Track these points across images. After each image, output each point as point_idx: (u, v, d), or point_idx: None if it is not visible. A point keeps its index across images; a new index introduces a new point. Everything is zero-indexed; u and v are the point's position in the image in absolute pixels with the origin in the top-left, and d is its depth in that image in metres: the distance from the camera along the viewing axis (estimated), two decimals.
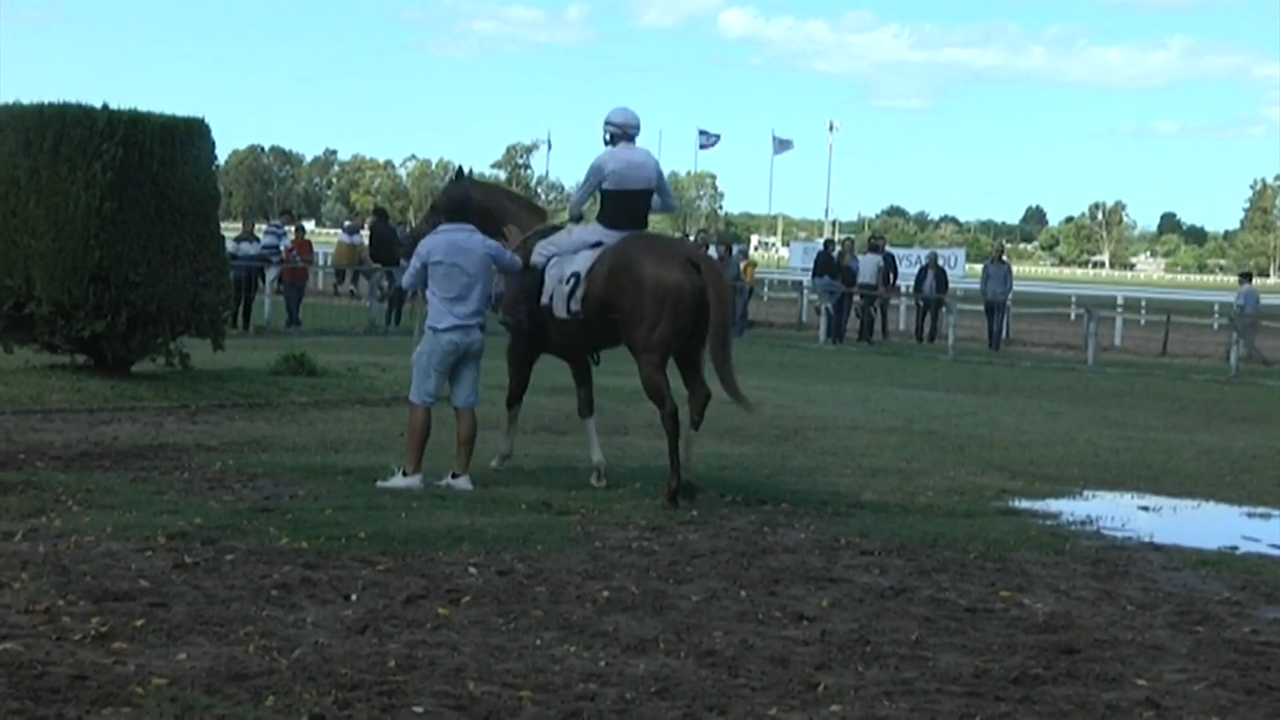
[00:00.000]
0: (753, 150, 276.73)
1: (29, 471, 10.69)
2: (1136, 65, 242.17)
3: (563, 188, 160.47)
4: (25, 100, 16.50)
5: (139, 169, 15.67)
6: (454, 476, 10.94)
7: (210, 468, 11.31)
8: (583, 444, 13.71)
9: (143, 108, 16.29)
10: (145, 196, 15.68)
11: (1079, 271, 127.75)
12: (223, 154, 16.62)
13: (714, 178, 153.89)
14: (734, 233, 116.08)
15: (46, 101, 16.26)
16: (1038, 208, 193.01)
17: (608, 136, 11.38)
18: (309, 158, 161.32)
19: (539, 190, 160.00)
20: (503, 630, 7.18)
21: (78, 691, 5.85)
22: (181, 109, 16.95)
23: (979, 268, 41.38)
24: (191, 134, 16.47)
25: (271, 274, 28.09)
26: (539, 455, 12.85)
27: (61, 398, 14.57)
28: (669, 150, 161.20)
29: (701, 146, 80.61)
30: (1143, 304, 49.09)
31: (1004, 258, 35.94)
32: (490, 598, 7.76)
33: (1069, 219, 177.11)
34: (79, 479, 10.44)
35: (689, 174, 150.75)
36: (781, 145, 79.26)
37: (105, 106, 15.95)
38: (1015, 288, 36.85)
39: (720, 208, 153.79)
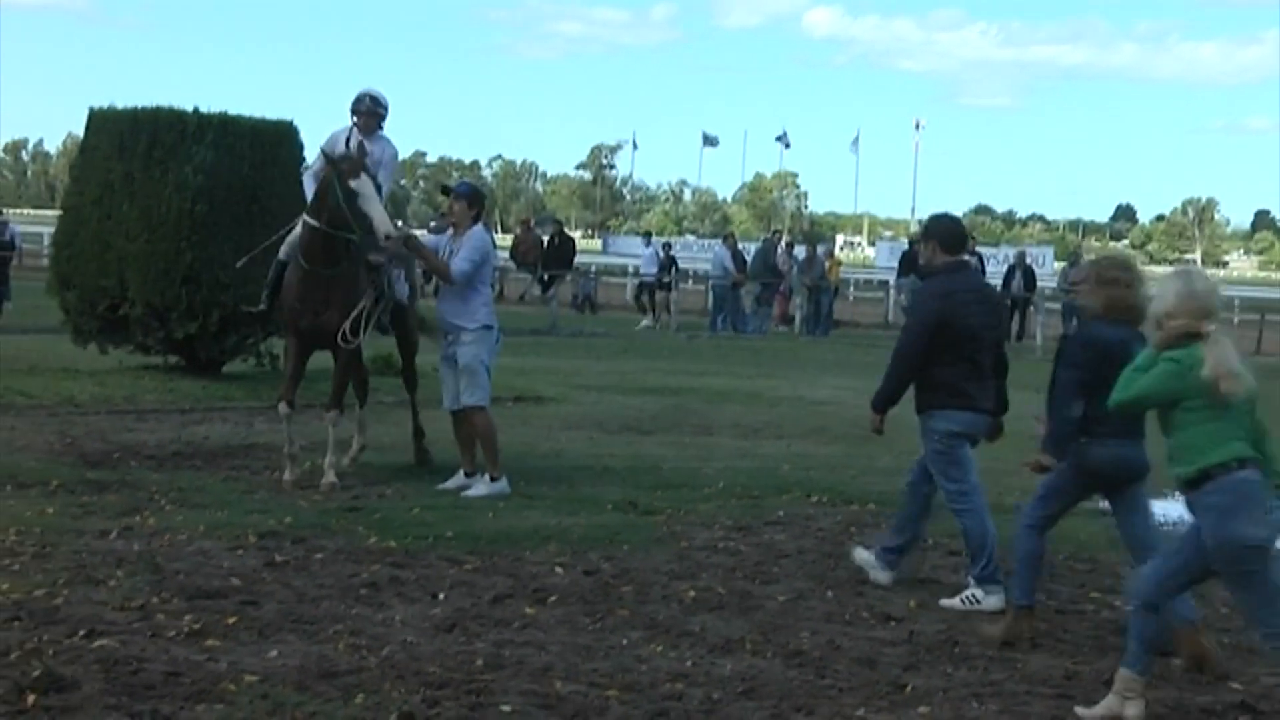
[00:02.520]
0: (837, 150, 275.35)
1: (123, 471, 10.85)
2: (1229, 61, 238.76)
3: (647, 188, 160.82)
4: (119, 104, 16.76)
5: (230, 172, 15.85)
6: (467, 476, 10.88)
7: (299, 467, 11.41)
8: (670, 443, 13.74)
9: (233, 111, 16.49)
10: (236, 199, 15.85)
11: (1171, 270, 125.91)
12: (311, 156, 16.73)
13: (797, 177, 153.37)
14: (819, 232, 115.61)
15: (140, 105, 16.50)
16: (1128, 205, 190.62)
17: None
18: (404, 156, 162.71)
19: (624, 191, 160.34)
20: (589, 630, 7.19)
21: (172, 687, 5.94)
22: (271, 112, 17.16)
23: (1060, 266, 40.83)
24: (281, 137, 16.63)
25: None
26: (624, 455, 12.85)
27: (154, 398, 14.76)
28: (753, 150, 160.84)
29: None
30: (1235, 302, 48.21)
31: (1082, 259, 35.37)
32: (577, 597, 7.78)
33: (1160, 217, 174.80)
34: (172, 478, 10.58)
35: (773, 174, 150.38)
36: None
37: (196, 110, 16.17)
38: None
39: (805, 207, 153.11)
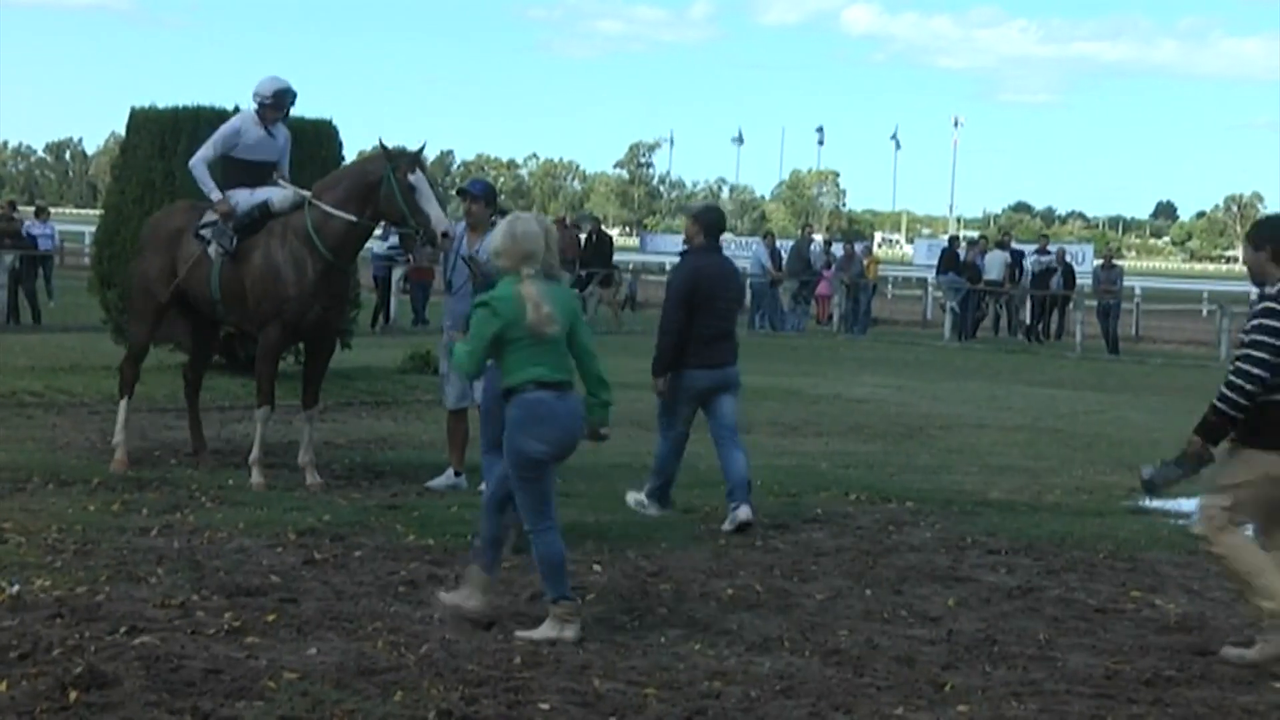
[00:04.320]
0: (876, 147, 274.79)
1: (164, 468, 10.92)
2: (1273, 56, 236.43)
3: (685, 185, 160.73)
4: (160, 104, 16.85)
5: None
6: (457, 474, 10.84)
7: (338, 465, 11.46)
8: (707, 441, 13.69)
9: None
10: None
11: (1211, 267, 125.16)
12: (350, 154, 16.73)
13: (836, 175, 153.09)
14: (857, 230, 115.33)
15: (181, 105, 16.58)
16: (1168, 202, 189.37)
17: (256, 106, 11.29)
18: (433, 157, 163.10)
19: (662, 189, 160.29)
20: (627, 628, 7.19)
21: (212, 684, 5.97)
22: (309, 111, 17.17)
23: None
24: (320, 135, 16.68)
25: (398, 273, 28.37)
26: None
27: (172, 398, 14.82)
28: (791, 147, 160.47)
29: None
30: None
31: (1114, 261, 35.05)
32: (615, 595, 7.79)
33: (1201, 214, 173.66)
34: (212, 476, 10.63)
35: (810, 171, 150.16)
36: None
37: (237, 109, 16.22)
38: (1145, 284, 36.07)
39: (843, 205, 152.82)
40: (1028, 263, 33.49)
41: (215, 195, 10.87)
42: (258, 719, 5.65)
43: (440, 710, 5.78)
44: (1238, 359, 7.10)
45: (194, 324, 11.45)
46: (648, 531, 9.37)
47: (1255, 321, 7.11)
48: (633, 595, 7.82)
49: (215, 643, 6.58)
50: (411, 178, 10.30)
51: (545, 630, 6.93)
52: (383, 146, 10.60)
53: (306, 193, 10.72)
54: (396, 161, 10.42)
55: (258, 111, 11.27)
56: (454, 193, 11.88)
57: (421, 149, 10.62)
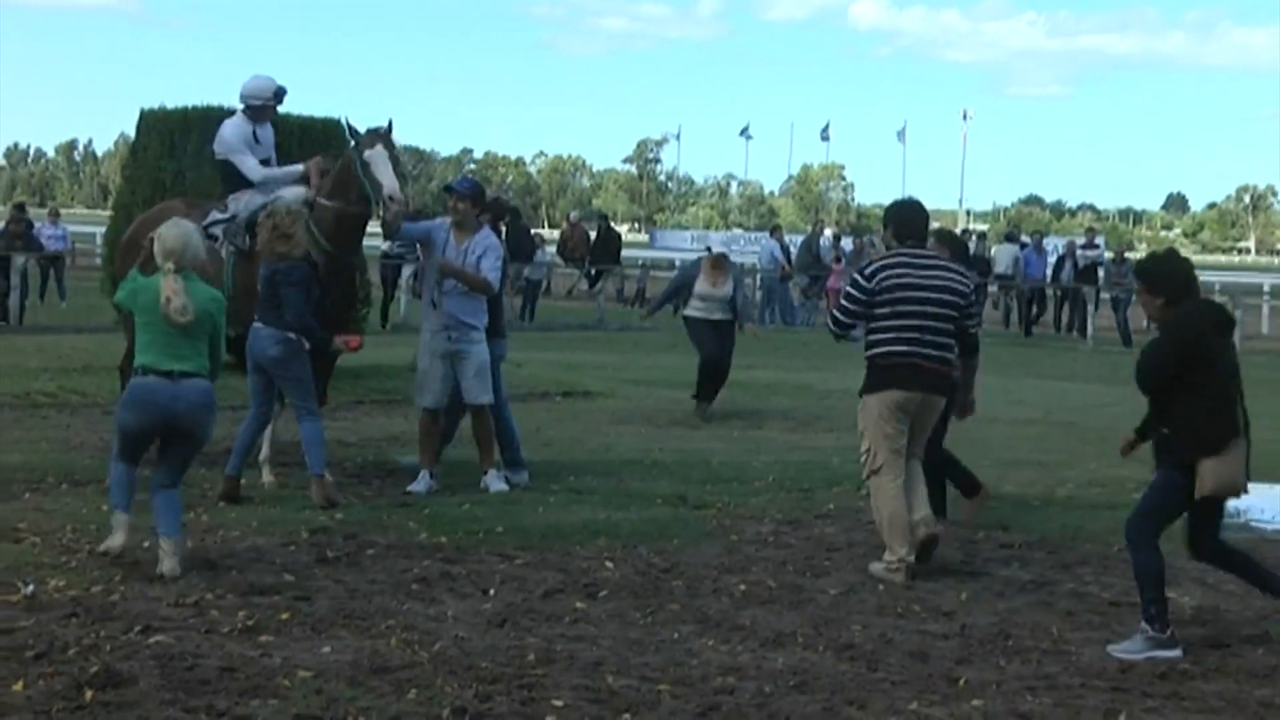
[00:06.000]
0: (884, 141, 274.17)
1: None
2: None
3: (692, 181, 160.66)
4: (170, 104, 16.87)
5: None
6: (431, 475, 10.66)
7: (350, 463, 11.47)
8: (719, 437, 13.74)
9: (281, 109, 16.53)
10: None
11: (1223, 258, 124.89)
12: None
13: (843, 169, 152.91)
14: (866, 224, 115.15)
15: (190, 105, 16.60)
16: (1179, 194, 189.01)
17: (244, 106, 11.51)
18: (441, 155, 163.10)
19: (670, 185, 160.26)
20: (640, 624, 7.20)
21: (226, 683, 5.98)
22: (318, 110, 17.22)
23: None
24: (328, 134, 16.68)
25: (407, 271, 28.35)
26: (673, 449, 12.85)
27: None
28: (800, 142, 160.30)
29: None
30: None
31: (1125, 254, 34.85)
32: (627, 591, 7.79)
33: (1212, 205, 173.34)
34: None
35: (819, 165, 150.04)
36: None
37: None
38: None
39: (852, 199, 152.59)
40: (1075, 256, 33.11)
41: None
42: (272, 717, 5.66)
43: (454, 708, 5.79)
44: None
45: None
46: (660, 528, 9.37)
47: None
48: (645, 591, 7.83)
49: (229, 641, 6.59)
50: (369, 152, 10.34)
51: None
52: (347, 127, 10.71)
53: (298, 191, 10.80)
54: (358, 139, 10.50)
55: (250, 112, 11.35)
56: (442, 189, 11.76)
57: (388, 127, 10.63)
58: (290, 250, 9.81)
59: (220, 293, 8.58)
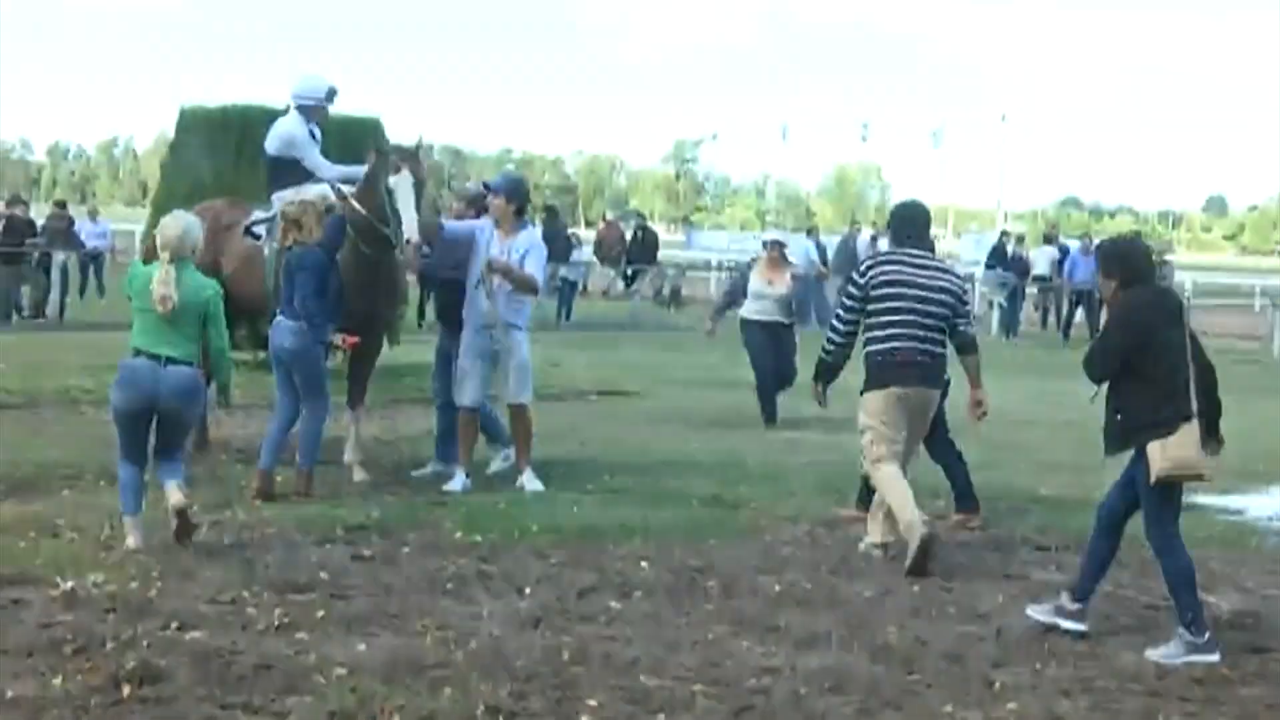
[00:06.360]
0: (921, 141, 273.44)
1: (213, 465, 10.98)
2: None
3: (730, 182, 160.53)
4: (209, 102, 16.96)
5: None
6: (467, 475, 10.65)
7: (386, 461, 11.50)
8: (755, 437, 13.72)
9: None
10: None
11: (1264, 261, 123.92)
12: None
13: (880, 170, 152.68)
14: None
15: (229, 103, 16.68)
16: (1219, 196, 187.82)
17: (296, 106, 11.54)
18: (481, 155, 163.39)
19: (707, 184, 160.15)
20: (675, 624, 7.19)
21: (262, 679, 6.01)
22: (357, 109, 17.22)
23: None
24: (367, 133, 16.71)
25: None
26: (710, 449, 12.84)
27: (243, 393, 14.87)
28: (836, 142, 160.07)
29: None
30: None
31: (1165, 256, 34.60)
32: (662, 591, 7.79)
33: (1253, 207, 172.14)
34: None
35: (857, 166, 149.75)
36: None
37: (288, 108, 16.30)
38: (1196, 278, 35.72)
39: (889, 199, 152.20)
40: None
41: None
42: (307, 714, 5.68)
43: (488, 706, 5.80)
44: None
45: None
46: (696, 528, 9.36)
47: None
48: (680, 592, 7.82)
49: (265, 638, 6.62)
50: (394, 178, 10.20)
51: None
52: (376, 149, 10.56)
53: (349, 188, 10.74)
54: (387, 157, 10.37)
55: (303, 110, 11.37)
56: (482, 186, 11.65)
57: (416, 146, 10.58)
58: (302, 238, 9.98)
59: (216, 282, 8.77)
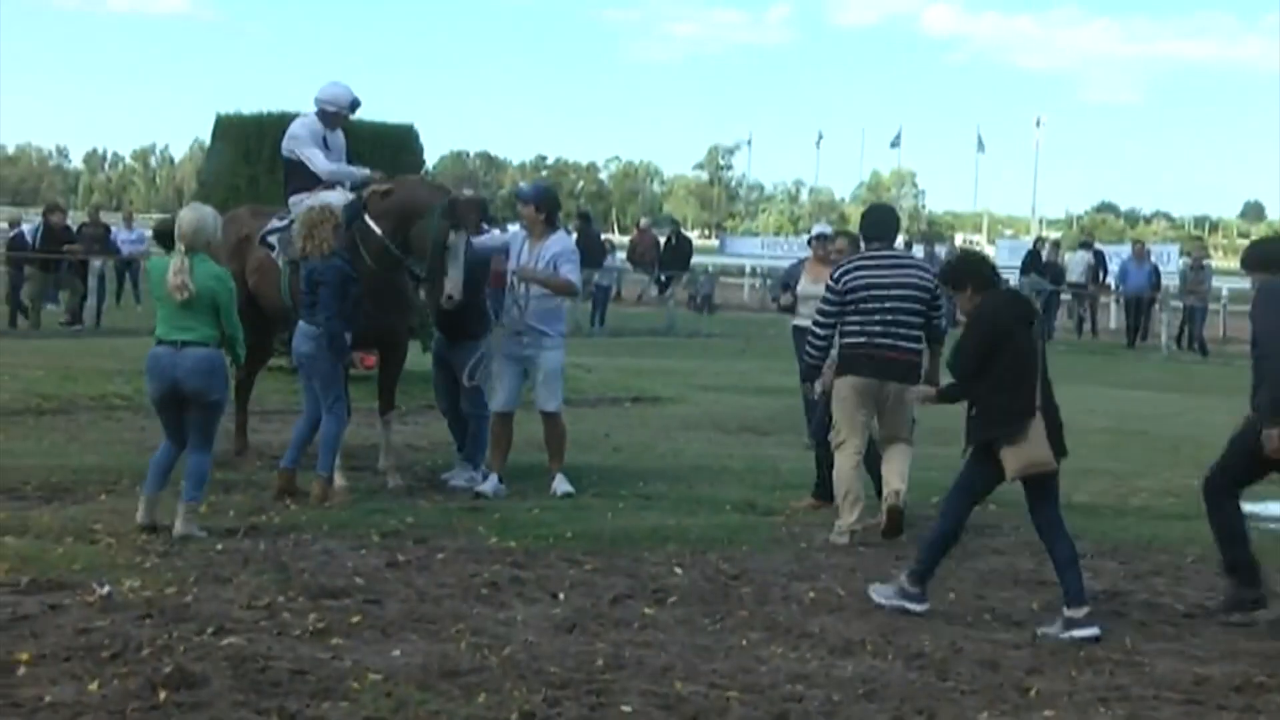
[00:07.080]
0: (956, 147, 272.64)
1: (249, 471, 11.03)
2: None
3: (763, 188, 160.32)
4: (245, 110, 17.02)
5: None
6: (500, 480, 10.67)
7: (420, 467, 11.54)
8: (788, 444, 13.70)
9: (354, 115, 16.64)
10: None
11: None
12: (430, 160, 16.83)
13: (915, 176, 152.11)
14: (937, 231, 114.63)
15: (265, 111, 16.74)
16: (1256, 202, 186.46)
17: (318, 110, 11.55)
18: (515, 162, 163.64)
19: (740, 191, 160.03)
20: (709, 630, 7.19)
21: (298, 685, 6.03)
22: (390, 116, 17.29)
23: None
24: (402, 141, 16.79)
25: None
26: (743, 455, 12.83)
27: (279, 399, 14.97)
28: (870, 148, 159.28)
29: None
30: None
31: (1203, 261, 34.34)
32: (696, 598, 7.79)
33: None
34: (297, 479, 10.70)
35: (891, 173, 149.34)
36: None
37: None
38: (1230, 284, 35.42)
39: (923, 206, 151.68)
40: (1179, 264, 32.77)
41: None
42: (342, 719, 5.70)
43: (523, 712, 5.81)
44: None
45: (250, 327, 11.54)
46: (729, 534, 9.36)
47: None
48: (714, 598, 7.82)
49: (301, 644, 6.64)
50: (453, 237, 10.20)
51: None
52: (451, 202, 10.43)
53: (364, 194, 10.75)
54: (451, 211, 10.30)
55: (323, 117, 11.42)
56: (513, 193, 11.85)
57: (484, 203, 10.62)
58: (319, 246, 10.02)
59: (226, 271, 9.11)
